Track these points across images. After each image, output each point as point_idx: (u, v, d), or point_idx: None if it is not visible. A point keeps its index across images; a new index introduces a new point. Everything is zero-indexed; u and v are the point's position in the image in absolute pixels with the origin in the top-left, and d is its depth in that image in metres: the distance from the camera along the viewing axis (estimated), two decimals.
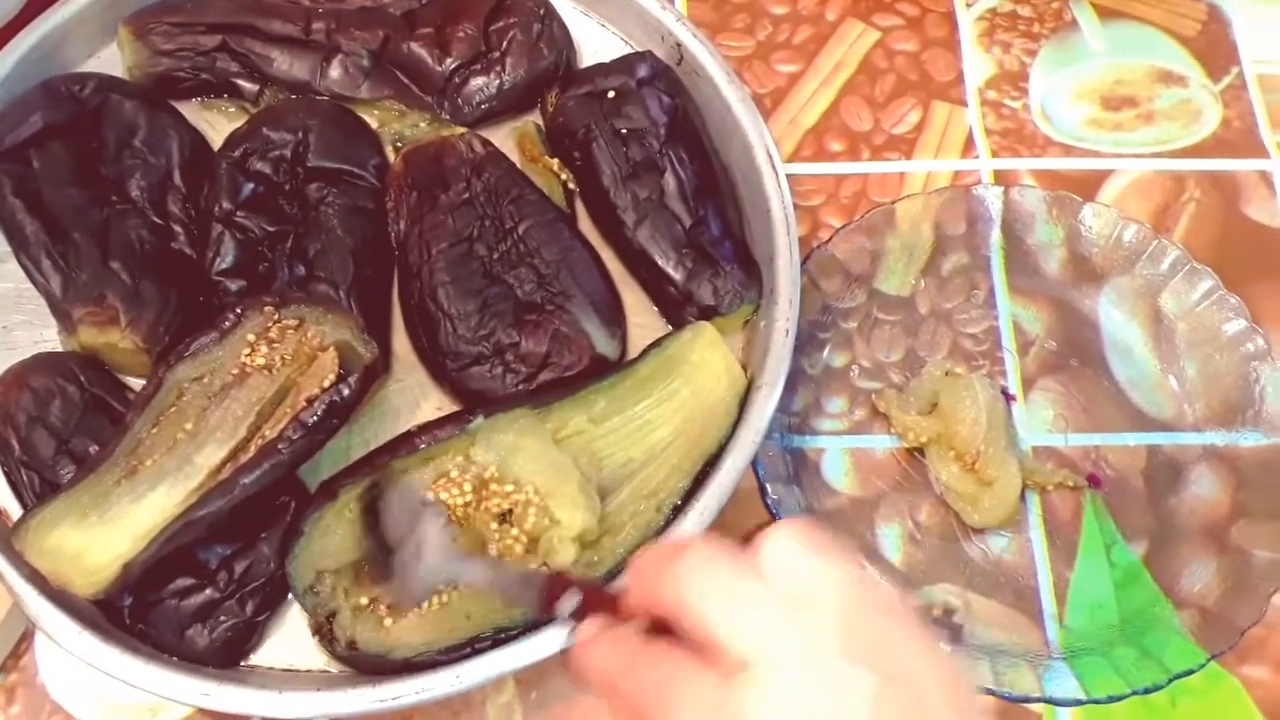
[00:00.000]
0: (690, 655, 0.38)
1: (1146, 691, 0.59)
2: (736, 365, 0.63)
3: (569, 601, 0.44)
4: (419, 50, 0.72)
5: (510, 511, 0.59)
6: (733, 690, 0.37)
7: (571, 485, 0.58)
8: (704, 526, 0.59)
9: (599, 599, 0.44)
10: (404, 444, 0.60)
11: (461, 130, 0.70)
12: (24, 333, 0.66)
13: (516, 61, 0.72)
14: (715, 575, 0.39)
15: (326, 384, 0.58)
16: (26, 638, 0.63)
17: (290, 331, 0.60)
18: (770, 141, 0.69)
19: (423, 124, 0.72)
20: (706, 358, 0.63)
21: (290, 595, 0.60)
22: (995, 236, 0.73)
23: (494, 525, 0.58)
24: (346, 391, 0.58)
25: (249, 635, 0.59)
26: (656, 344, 0.64)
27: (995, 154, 0.79)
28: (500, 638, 0.57)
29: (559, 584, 0.46)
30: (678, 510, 0.60)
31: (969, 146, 0.79)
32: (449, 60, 0.72)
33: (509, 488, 0.58)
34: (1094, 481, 0.68)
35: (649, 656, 0.39)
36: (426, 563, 0.52)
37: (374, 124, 0.72)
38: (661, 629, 0.40)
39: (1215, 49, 0.83)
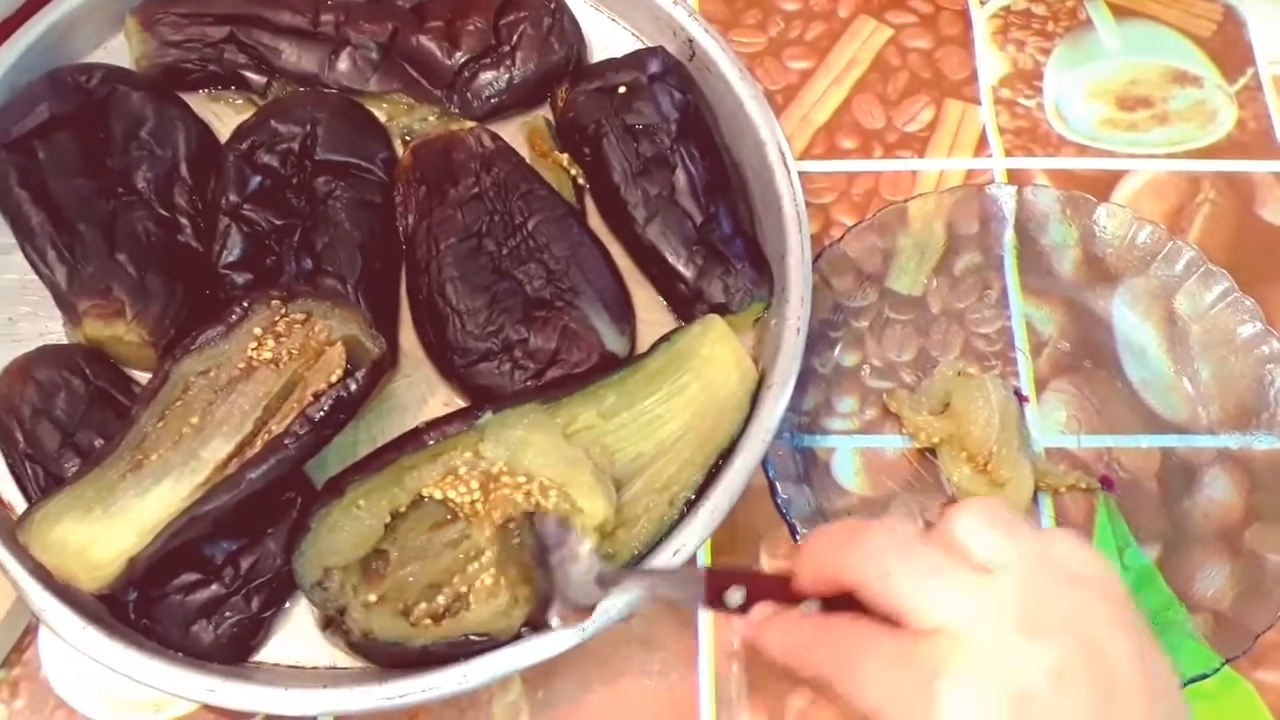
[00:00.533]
0: (876, 623, 0.39)
1: None
2: (747, 358, 0.63)
3: (736, 593, 0.45)
4: (428, 43, 0.71)
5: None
6: (921, 647, 0.38)
7: (586, 475, 0.57)
8: (714, 525, 0.59)
9: (763, 585, 0.45)
10: (412, 440, 0.59)
11: (471, 124, 0.70)
12: (29, 324, 0.66)
13: (527, 56, 0.71)
14: (901, 551, 0.40)
15: (333, 379, 0.57)
16: (30, 632, 0.63)
17: (297, 326, 0.59)
18: (782, 138, 0.68)
19: (431, 118, 0.72)
20: (716, 351, 0.62)
21: (296, 591, 0.59)
22: (1009, 236, 0.73)
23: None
24: (354, 387, 0.57)
25: (255, 631, 0.58)
26: (666, 338, 0.63)
27: (1009, 153, 0.78)
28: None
29: (720, 577, 0.46)
30: (690, 504, 0.60)
31: (982, 145, 0.78)
32: (458, 54, 0.71)
33: (521, 479, 0.58)
34: (1107, 484, 0.67)
35: (833, 628, 0.41)
36: (574, 581, 0.53)
37: (382, 117, 0.71)
38: (831, 609, 0.42)
39: (1230, 50, 0.83)
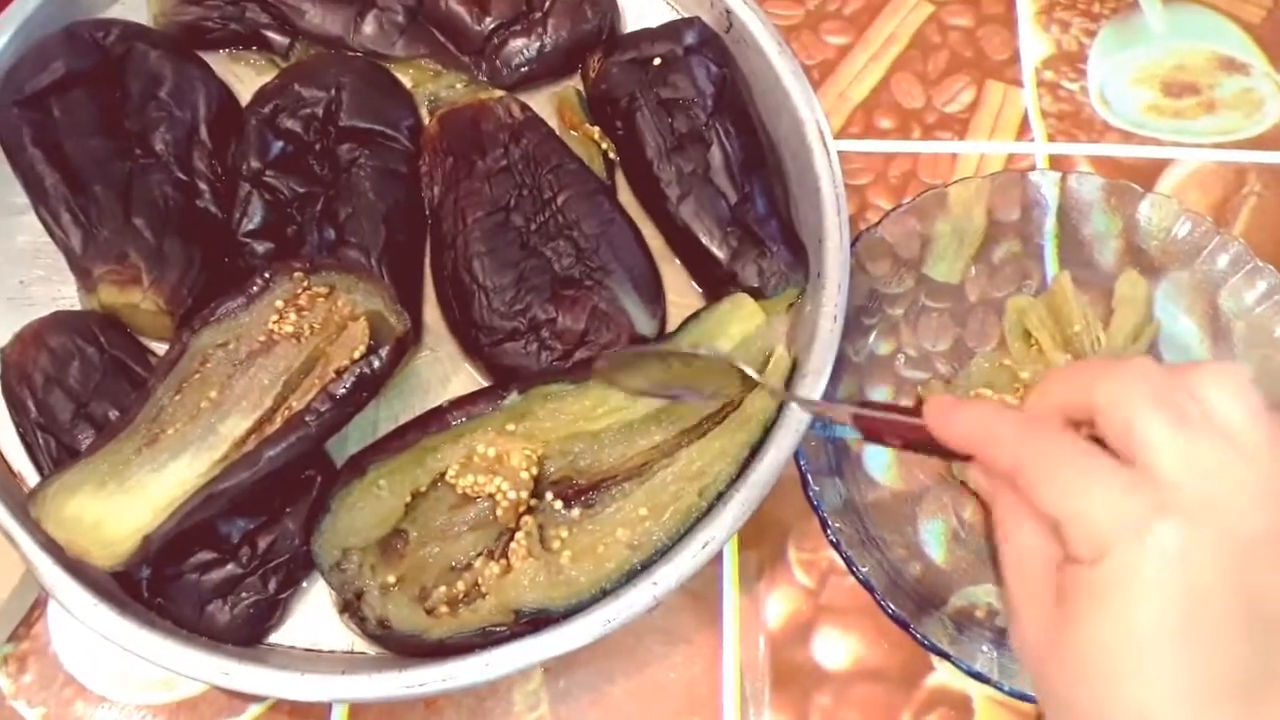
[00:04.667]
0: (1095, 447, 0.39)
1: None
2: (778, 341, 0.61)
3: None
4: (457, 8, 0.69)
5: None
6: (1154, 484, 0.37)
7: None
8: (745, 517, 0.57)
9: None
10: (435, 420, 0.58)
11: (500, 93, 0.67)
12: (41, 289, 0.64)
13: (559, 23, 0.69)
14: (1155, 393, 0.39)
15: (356, 355, 0.56)
16: (39, 606, 0.61)
17: (320, 299, 0.58)
18: (821, 116, 0.66)
19: (459, 85, 0.70)
20: (745, 331, 0.61)
21: (313, 572, 0.58)
22: (1050, 224, 0.71)
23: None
24: (377, 364, 0.55)
25: (270, 613, 0.57)
26: (695, 316, 0.62)
27: (1051, 138, 0.76)
28: (535, 624, 0.55)
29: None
30: (720, 496, 0.58)
31: (1024, 129, 0.76)
32: (488, 19, 0.69)
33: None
34: None
35: (1049, 430, 0.41)
36: None
37: (408, 83, 0.69)
38: None
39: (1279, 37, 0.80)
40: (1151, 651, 0.37)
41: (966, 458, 0.43)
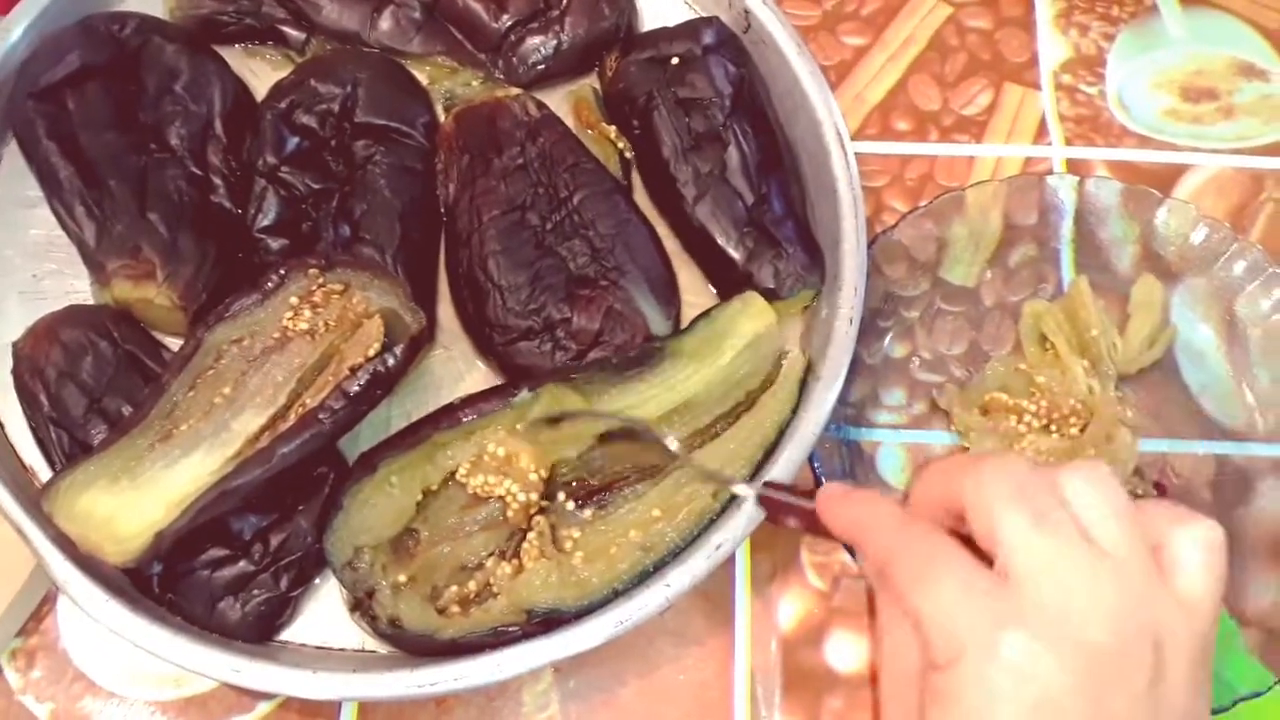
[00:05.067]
0: (961, 548, 0.39)
1: (1213, 713, 0.56)
2: (785, 337, 0.61)
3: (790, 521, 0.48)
4: (474, 4, 0.69)
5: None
6: (1007, 589, 0.37)
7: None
8: (759, 520, 0.56)
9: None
10: (447, 417, 0.57)
11: (516, 91, 0.67)
12: (54, 282, 0.64)
13: (576, 21, 0.69)
14: (1015, 490, 0.39)
15: (371, 353, 0.56)
16: (48, 600, 0.61)
17: (335, 296, 0.57)
18: (839, 118, 0.65)
19: (475, 83, 0.69)
20: (756, 330, 0.60)
21: (325, 570, 0.57)
22: (1067, 228, 0.70)
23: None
24: (391, 362, 0.55)
25: (282, 610, 0.57)
26: (705, 315, 0.61)
27: (1069, 141, 0.76)
28: (547, 624, 0.54)
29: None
30: (734, 498, 0.58)
31: (1041, 132, 0.76)
32: (505, 17, 0.69)
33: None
34: (1160, 489, 0.65)
35: (919, 528, 0.40)
36: None
37: (424, 80, 0.69)
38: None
39: None
40: None
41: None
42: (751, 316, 0.61)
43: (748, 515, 0.56)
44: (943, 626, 0.37)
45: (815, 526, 0.46)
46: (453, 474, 0.57)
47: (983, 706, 0.36)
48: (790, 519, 0.49)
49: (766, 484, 0.51)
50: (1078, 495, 0.39)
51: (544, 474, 0.57)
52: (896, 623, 0.40)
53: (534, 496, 0.56)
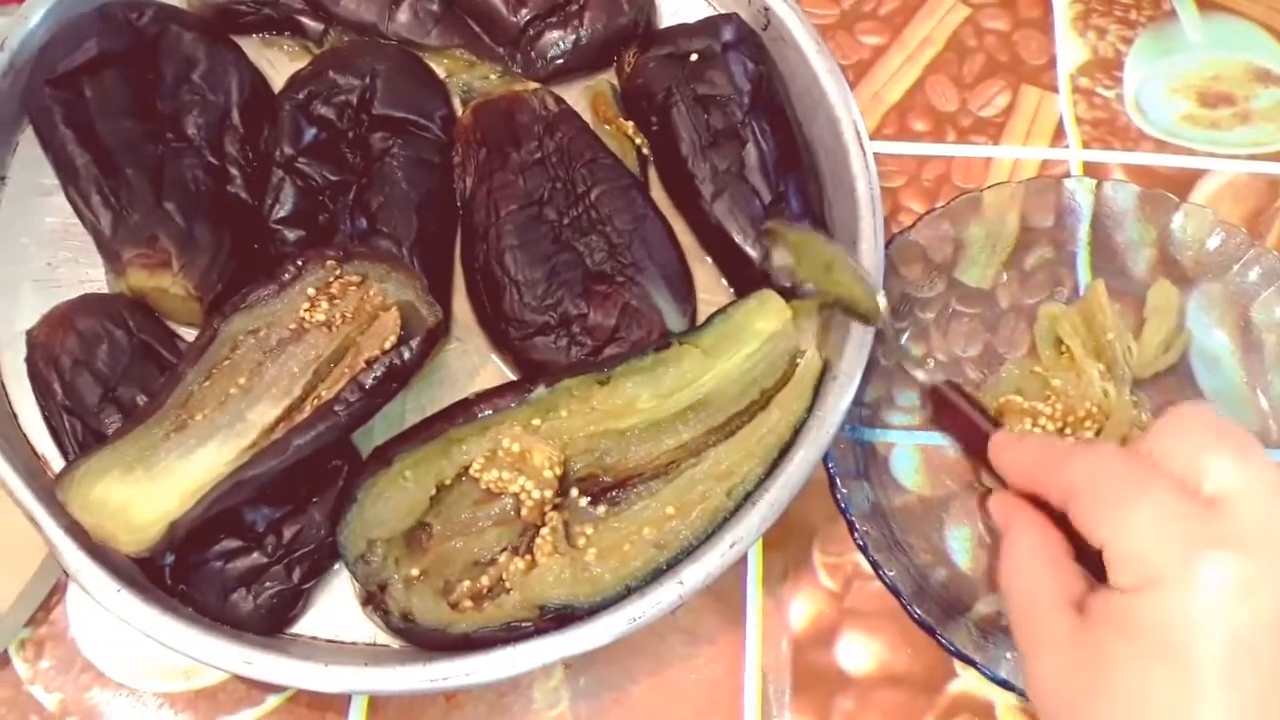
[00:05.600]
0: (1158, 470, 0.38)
1: None
2: (803, 334, 0.61)
3: None
4: None
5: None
6: (1216, 516, 0.36)
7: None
8: (773, 519, 0.56)
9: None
10: (462, 411, 0.57)
11: (534, 85, 0.67)
12: (69, 271, 0.63)
13: (595, 16, 0.68)
14: (1222, 433, 0.39)
15: (387, 345, 0.55)
16: (58, 590, 0.61)
17: (352, 288, 0.57)
18: (859, 117, 0.65)
19: (493, 76, 0.69)
20: (772, 328, 0.60)
21: (337, 562, 0.57)
22: (1083, 231, 0.70)
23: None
24: (408, 355, 0.55)
25: (294, 603, 0.56)
26: (721, 312, 0.61)
27: (1086, 145, 0.75)
28: (559, 620, 0.54)
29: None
30: (748, 496, 0.57)
31: (1059, 135, 0.76)
32: (524, 10, 0.68)
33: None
34: None
35: (1118, 455, 0.39)
36: None
37: (441, 73, 0.69)
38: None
39: None
40: (1208, 699, 0.34)
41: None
42: (767, 314, 0.61)
43: (762, 514, 0.56)
44: (1138, 548, 0.36)
45: (974, 446, 0.46)
46: (466, 469, 0.57)
47: (1187, 635, 0.34)
48: (953, 427, 0.48)
49: (948, 383, 0.51)
50: (1188, 462, 0.39)
51: (558, 471, 0.57)
52: (1037, 558, 0.39)
53: (548, 493, 0.56)
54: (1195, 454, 0.38)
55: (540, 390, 0.57)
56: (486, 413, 0.57)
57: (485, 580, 0.56)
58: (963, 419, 0.48)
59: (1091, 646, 0.36)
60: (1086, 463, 0.40)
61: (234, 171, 0.63)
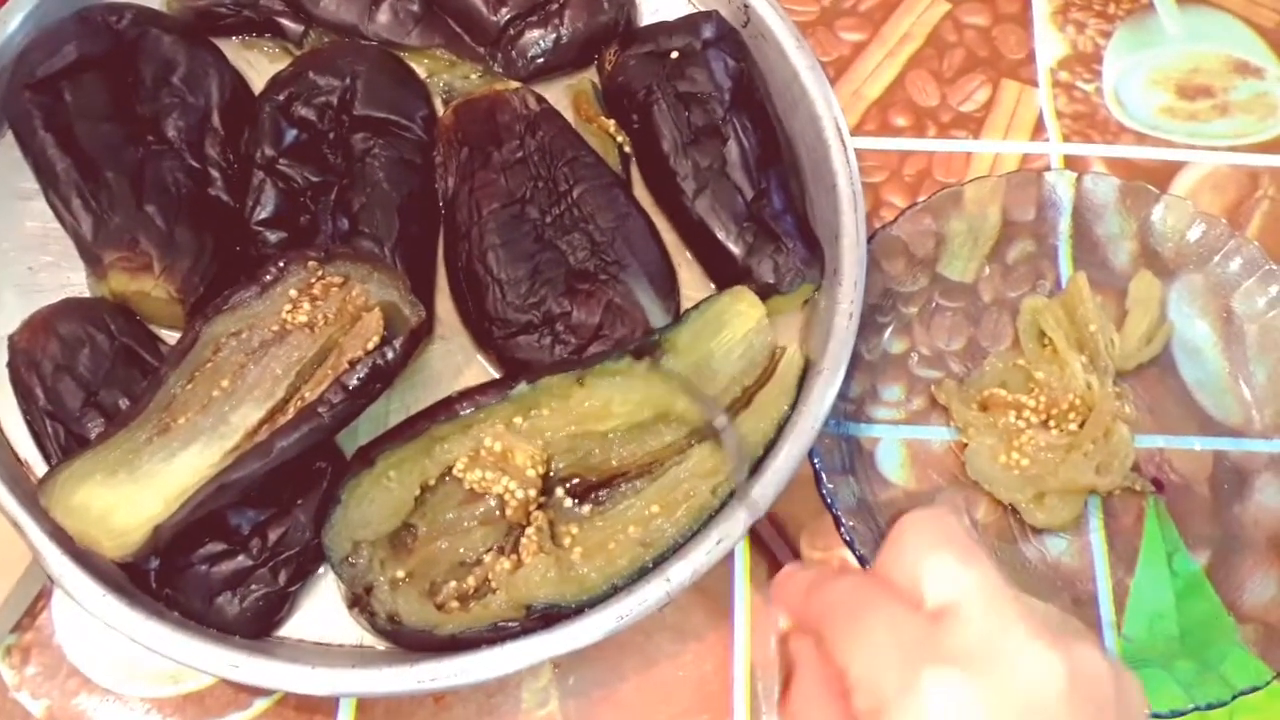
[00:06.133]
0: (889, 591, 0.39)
1: (1210, 707, 0.57)
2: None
3: None
4: None
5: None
6: (940, 630, 0.36)
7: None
8: (760, 514, 0.56)
9: None
10: (444, 409, 0.57)
11: (516, 85, 0.67)
12: (50, 275, 0.63)
13: (575, 15, 0.68)
14: (848, 613, 0.39)
15: (370, 346, 0.55)
16: (44, 595, 0.60)
17: (334, 289, 0.57)
18: (839, 113, 0.65)
19: (474, 76, 0.69)
20: (747, 325, 0.60)
21: (323, 565, 0.57)
22: (1064, 225, 0.70)
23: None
24: (391, 355, 0.55)
25: (280, 605, 0.56)
26: (695, 308, 0.61)
27: (1066, 138, 0.76)
28: (546, 619, 0.54)
29: None
30: (732, 494, 0.57)
31: (1039, 129, 0.76)
32: (504, 10, 0.68)
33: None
34: (1157, 485, 0.65)
35: (853, 579, 0.40)
36: None
37: (422, 73, 0.69)
38: None
39: None
40: None
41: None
42: (742, 310, 0.61)
43: (748, 511, 0.56)
44: (868, 673, 0.36)
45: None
46: (450, 469, 0.57)
47: None
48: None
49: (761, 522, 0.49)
50: (915, 572, 0.39)
51: (541, 470, 0.57)
52: (818, 690, 0.39)
53: (531, 493, 0.56)
54: (916, 565, 0.38)
55: (522, 387, 0.57)
56: (468, 410, 0.57)
57: (471, 581, 0.56)
58: (767, 552, 0.48)
59: None
60: (825, 591, 0.40)
61: (215, 174, 0.63)
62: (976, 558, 0.38)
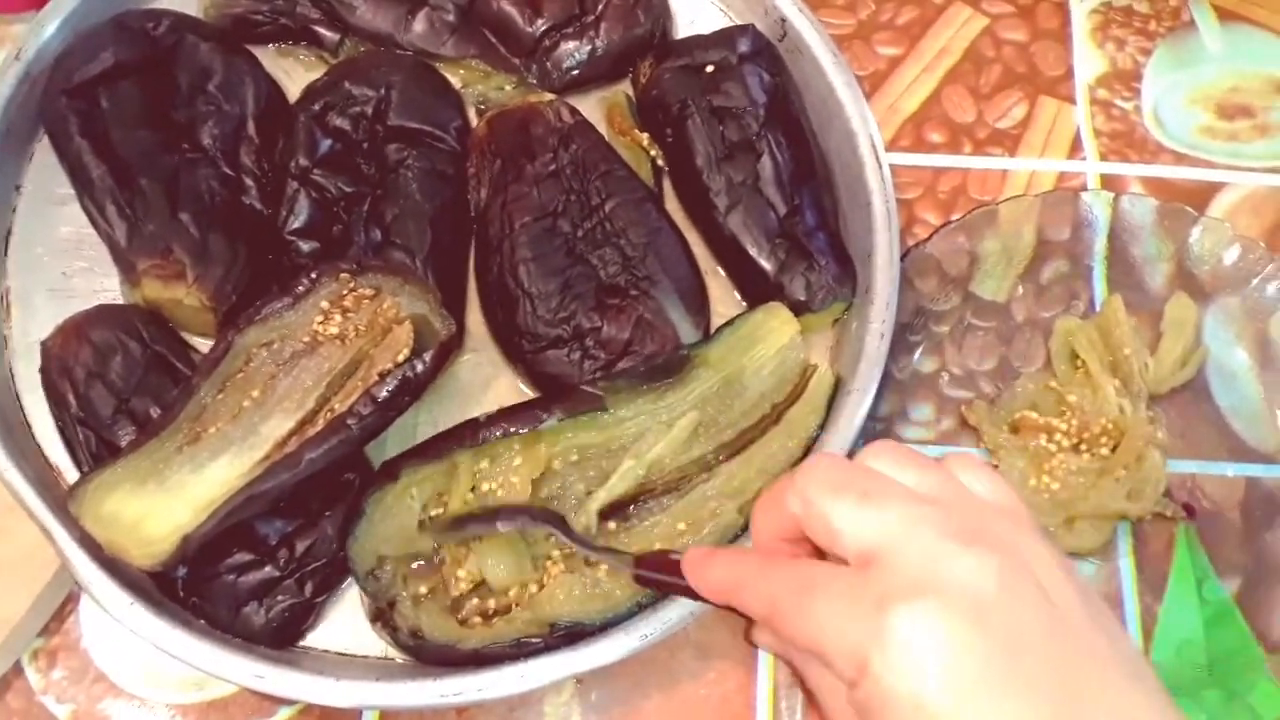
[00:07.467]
0: (820, 561, 0.39)
1: None
2: (805, 347, 0.61)
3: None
4: (509, 8, 0.68)
5: None
6: (869, 579, 0.36)
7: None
8: None
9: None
10: (471, 433, 0.56)
11: (550, 97, 0.67)
12: (83, 280, 0.63)
13: (611, 27, 0.68)
14: (839, 479, 0.39)
15: (400, 358, 0.55)
16: (71, 600, 0.61)
17: (366, 301, 0.57)
18: (875, 129, 0.65)
19: (508, 87, 0.69)
20: (780, 342, 0.60)
21: (349, 577, 0.57)
22: (1100, 245, 0.69)
23: None
24: (420, 368, 0.55)
25: (305, 616, 0.56)
26: (729, 324, 0.61)
27: (1103, 156, 0.75)
28: (570, 636, 0.54)
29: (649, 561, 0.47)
30: None
31: (1076, 147, 0.75)
32: (540, 21, 0.68)
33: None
34: (1189, 511, 0.64)
35: (778, 564, 0.40)
36: None
37: (457, 84, 0.69)
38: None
39: None
40: None
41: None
42: (775, 327, 0.60)
43: None
44: (837, 644, 0.36)
45: (699, 597, 0.43)
46: (473, 489, 0.57)
47: (907, 697, 0.34)
48: (670, 590, 0.46)
49: (638, 561, 0.47)
50: (884, 466, 0.39)
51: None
52: (812, 665, 0.38)
53: None
54: (823, 519, 0.38)
55: (552, 421, 0.56)
56: (495, 435, 0.56)
57: (494, 600, 0.56)
58: (666, 583, 0.46)
59: None
60: (761, 584, 0.39)
61: (249, 182, 0.63)
62: (877, 489, 0.38)
